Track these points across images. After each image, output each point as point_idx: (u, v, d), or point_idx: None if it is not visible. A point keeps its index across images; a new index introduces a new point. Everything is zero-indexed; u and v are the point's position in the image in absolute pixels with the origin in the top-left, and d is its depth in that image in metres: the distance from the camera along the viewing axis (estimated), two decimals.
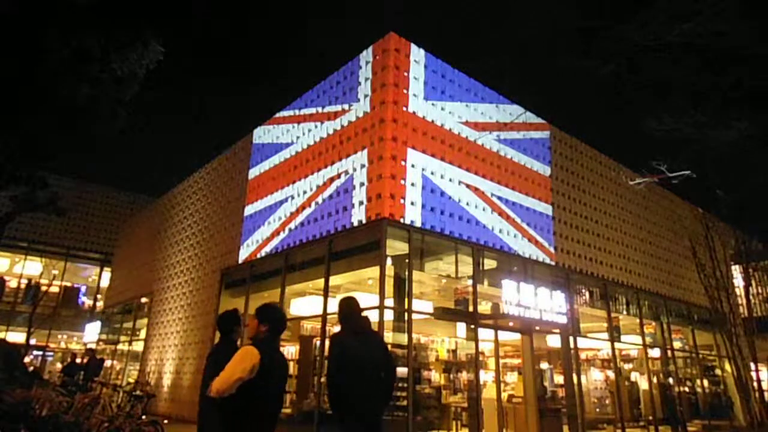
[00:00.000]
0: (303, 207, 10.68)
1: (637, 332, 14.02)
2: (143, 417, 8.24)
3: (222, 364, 3.32)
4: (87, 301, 27.03)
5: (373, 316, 9.11)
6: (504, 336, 10.82)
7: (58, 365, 22.56)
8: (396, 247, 8.90)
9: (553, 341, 12.45)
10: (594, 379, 14.14)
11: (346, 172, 9.66)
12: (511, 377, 13.16)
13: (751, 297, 15.52)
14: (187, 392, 13.04)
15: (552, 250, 11.67)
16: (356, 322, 4.21)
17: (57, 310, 24.77)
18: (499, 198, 10.75)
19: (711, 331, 15.20)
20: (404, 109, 9.35)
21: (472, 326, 9.65)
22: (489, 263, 10.35)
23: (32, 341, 22.81)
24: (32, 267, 25.24)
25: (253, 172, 13.10)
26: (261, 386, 3.10)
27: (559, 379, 12.10)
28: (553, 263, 11.56)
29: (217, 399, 3.18)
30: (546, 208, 11.88)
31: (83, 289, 27.29)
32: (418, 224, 8.96)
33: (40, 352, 25.03)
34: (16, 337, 22.33)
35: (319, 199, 10.23)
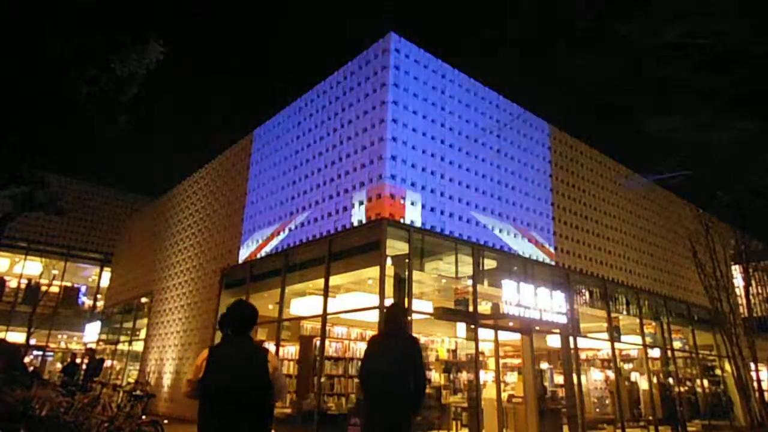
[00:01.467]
0: (303, 207, 10.68)
1: (637, 332, 14.01)
2: (143, 417, 8.25)
3: None
4: (87, 301, 27.03)
5: (373, 316, 9.16)
6: (504, 336, 10.82)
7: (58, 365, 22.55)
8: (396, 247, 8.89)
9: (553, 341, 12.45)
10: (594, 379, 14.13)
11: (347, 172, 9.67)
12: (511, 377, 13.15)
13: (751, 297, 15.50)
14: None
15: (552, 250, 11.67)
16: (386, 325, 4.69)
17: (57, 310, 24.77)
18: (499, 198, 10.75)
19: (711, 331, 15.19)
20: (404, 108, 9.35)
21: (472, 326, 9.65)
22: (489, 263, 10.35)
23: (32, 341, 22.81)
24: (32, 267, 25.24)
25: (253, 172, 13.11)
26: (207, 383, 3.16)
27: (559, 379, 12.10)
28: (553, 263, 11.56)
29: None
30: (546, 208, 11.88)
31: (83, 289, 27.28)
32: (418, 224, 8.96)
33: (40, 352, 25.02)
34: (16, 337, 22.33)
35: (319, 199, 10.24)
